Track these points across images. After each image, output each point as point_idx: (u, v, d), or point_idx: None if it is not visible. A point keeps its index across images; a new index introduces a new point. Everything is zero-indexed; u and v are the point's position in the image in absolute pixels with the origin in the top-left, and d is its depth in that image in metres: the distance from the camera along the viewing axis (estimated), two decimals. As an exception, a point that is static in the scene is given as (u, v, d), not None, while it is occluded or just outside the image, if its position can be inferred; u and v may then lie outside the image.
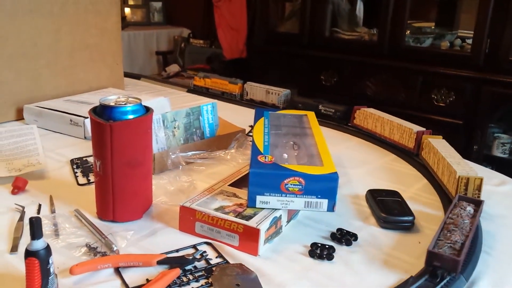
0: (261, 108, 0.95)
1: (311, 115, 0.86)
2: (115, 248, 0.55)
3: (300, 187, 0.58)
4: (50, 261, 0.45)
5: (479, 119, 1.97)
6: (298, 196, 0.59)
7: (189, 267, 0.53)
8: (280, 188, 0.59)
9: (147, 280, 0.51)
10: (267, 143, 0.69)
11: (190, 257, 0.54)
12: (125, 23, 3.35)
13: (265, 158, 0.62)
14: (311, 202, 0.59)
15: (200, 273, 0.52)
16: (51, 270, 0.46)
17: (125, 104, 0.60)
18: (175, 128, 0.84)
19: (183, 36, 3.68)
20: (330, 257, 0.57)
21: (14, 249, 0.55)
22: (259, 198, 0.59)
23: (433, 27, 2.52)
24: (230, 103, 1.33)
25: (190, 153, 0.83)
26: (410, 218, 0.65)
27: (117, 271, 0.52)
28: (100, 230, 0.59)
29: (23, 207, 0.64)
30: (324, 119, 1.12)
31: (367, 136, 1.05)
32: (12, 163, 0.77)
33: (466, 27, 2.37)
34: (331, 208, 0.59)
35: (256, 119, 0.81)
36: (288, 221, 0.63)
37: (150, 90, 1.43)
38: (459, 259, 0.51)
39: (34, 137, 0.86)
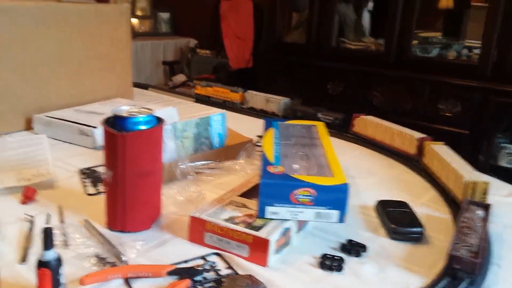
0: (269, 118, 0.95)
1: (320, 125, 0.86)
2: (124, 259, 0.55)
3: (311, 197, 0.58)
4: (61, 272, 0.45)
5: (486, 129, 1.96)
6: (308, 207, 0.59)
7: (198, 278, 0.53)
8: (290, 199, 0.58)
9: (157, 291, 0.51)
10: (277, 154, 0.69)
11: (200, 268, 0.54)
12: (133, 34, 3.38)
13: (275, 168, 0.62)
14: (321, 213, 0.59)
15: (209, 284, 0.52)
16: (62, 280, 0.46)
17: (137, 114, 0.61)
18: (184, 138, 0.84)
19: (190, 46, 3.70)
20: (340, 268, 0.56)
21: (23, 259, 0.55)
22: (269, 209, 0.59)
23: (440, 37, 2.52)
24: (231, 111, 1.34)
25: (199, 163, 0.83)
26: (420, 229, 0.64)
27: (127, 281, 0.52)
28: (110, 240, 0.59)
29: (33, 217, 0.65)
30: None
31: (368, 143, 1.05)
32: (22, 172, 0.78)
33: (473, 36, 2.37)
34: (341, 219, 0.59)
35: (265, 129, 0.81)
36: (297, 232, 0.63)
37: (158, 100, 1.44)
38: (478, 261, 0.51)
39: (44, 147, 0.87)
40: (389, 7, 2.25)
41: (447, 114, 2.06)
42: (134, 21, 3.75)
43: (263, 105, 1.35)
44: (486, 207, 0.67)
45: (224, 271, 0.55)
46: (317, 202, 0.59)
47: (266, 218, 0.60)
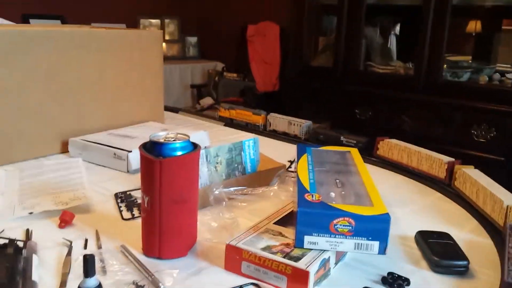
0: (302, 144, 0.94)
1: (355, 151, 0.85)
2: (162, 287, 0.54)
3: (350, 228, 0.57)
4: (101, 300, 0.45)
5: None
6: (347, 237, 0.57)
7: (237, 309, 0.52)
8: (329, 229, 0.57)
9: (195, 322, 0.50)
10: (313, 181, 0.68)
11: (238, 299, 0.53)
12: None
13: (312, 196, 0.61)
14: (361, 244, 0.57)
15: (248, 316, 0.51)
16: (102, 309, 0.45)
17: (174, 140, 0.61)
18: (217, 163, 0.84)
19: (217, 70, 3.76)
20: (382, 302, 0.54)
21: (63, 284, 0.55)
22: (307, 239, 0.58)
23: (470, 61, 2.49)
24: (254, 133, 1.36)
25: (232, 188, 0.83)
26: (465, 262, 0.62)
27: (165, 311, 0.51)
28: (147, 267, 0.58)
29: (71, 242, 0.65)
30: None
31: (394, 167, 1.05)
32: (59, 196, 0.79)
33: (504, 60, 2.33)
34: (382, 251, 0.57)
35: (299, 155, 0.81)
36: (336, 263, 0.62)
37: (188, 124, 1.45)
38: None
39: (80, 170, 0.88)
40: (418, 30, 2.24)
41: (481, 140, 2.01)
42: (163, 45, 3.84)
43: (285, 128, 1.36)
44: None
45: (262, 302, 0.54)
46: (357, 232, 0.57)
47: (304, 248, 0.58)
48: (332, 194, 0.63)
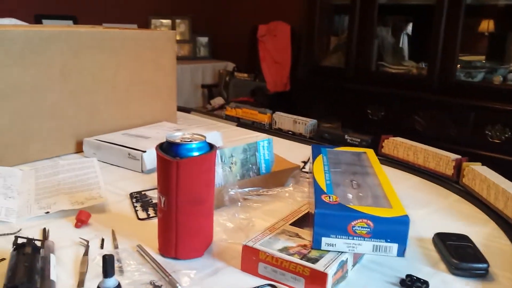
0: (317, 144, 0.94)
1: (370, 152, 0.84)
2: (179, 287, 0.54)
3: (369, 229, 0.56)
4: (120, 300, 0.45)
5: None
6: (366, 239, 0.57)
7: (254, 310, 0.52)
8: (347, 230, 0.57)
9: (213, 323, 0.49)
10: (329, 182, 0.67)
11: (255, 300, 0.53)
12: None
13: (330, 198, 0.61)
14: (380, 246, 0.57)
15: (266, 318, 0.51)
16: (121, 309, 0.45)
17: (190, 141, 0.61)
18: (232, 164, 0.84)
19: (227, 70, 3.76)
20: (400, 305, 0.54)
21: (80, 284, 0.55)
22: (324, 240, 0.58)
23: (483, 61, 2.46)
24: (260, 132, 1.38)
25: (247, 189, 0.83)
26: (485, 265, 0.61)
27: (182, 311, 0.51)
28: (163, 267, 0.58)
29: (88, 241, 0.65)
30: None
31: (401, 165, 1.05)
32: (75, 196, 0.79)
33: (519, 60, 2.30)
34: (401, 253, 0.57)
35: (314, 156, 0.80)
36: (353, 265, 0.61)
37: (201, 124, 1.46)
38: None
39: (95, 170, 0.88)
40: (430, 30, 2.22)
41: (496, 141, 1.99)
42: (174, 45, 3.85)
43: (290, 126, 1.38)
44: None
45: (280, 304, 0.53)
46: (375, 234, 0.57)
47: (322, 250, 0.58)
48: (350, 196, 0.63)
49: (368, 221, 0.56)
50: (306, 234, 0.62)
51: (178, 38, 3.94)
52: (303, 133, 1.34)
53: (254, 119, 1.49)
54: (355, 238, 0.57)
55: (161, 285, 0.55)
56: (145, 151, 0.96)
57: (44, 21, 3.28)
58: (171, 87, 1.30)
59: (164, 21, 3.95)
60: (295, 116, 1.39)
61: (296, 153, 1.10)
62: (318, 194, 0.62)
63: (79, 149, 1.07)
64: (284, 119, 1.41)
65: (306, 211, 0.70)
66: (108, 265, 0.44)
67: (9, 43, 0.92)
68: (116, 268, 0.58)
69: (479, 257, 0.62)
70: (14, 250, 0.57)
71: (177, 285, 0.54)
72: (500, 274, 0.62)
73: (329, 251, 0.58)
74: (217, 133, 1.16)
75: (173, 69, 1.30)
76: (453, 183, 0.94)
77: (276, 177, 0.89)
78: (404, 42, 2.90)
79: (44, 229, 0.69)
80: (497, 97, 2.01)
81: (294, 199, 0.82)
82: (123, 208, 0.79)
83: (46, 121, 1.01)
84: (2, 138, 0.94)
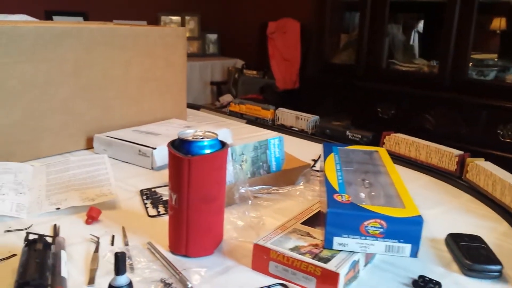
0: (328, 143, 0.93)
1: (383, 151, 0.83)
2: (190, 285, 0.54)
3: (381, 229, 0.56)
4: (132, 298, 0.45)
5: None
6: (378, 239, 0.56)
7: (265, 310, 0.51)
8: (360, 230, 0.56)
9: (224, 322, 0.49)
10: (341, 181, 0.67)
11: (267, 299, 0.52)
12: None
13: (342, 197, 0.60)
14: (392, 246, 0.56)
15: (277, 317, 0.50)
16: (132, 307, 0.45)
17: (202, 138, 0.60)
18: (243, 161, 0.84)
19: (236, 67, 3.75)
20: (413, 306, 0.53)
21: (91, 281, 0.55)
22: (336, 240, 0.57)
23: (495, 59, 2.44)
24: (262, 128, 1.40)
25: (257, 187, 0.82)
26: (498, 267, 0.60)
27: (193, 310, 0.51)
28: (174, 265, 0.58)
29: (98, 238, 0.65)
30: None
31: (403, 161, 1.05)
32: (85, 192, 0.79)
33: (531, 59, 2.27)
34: (414, 254, 0.56)
35: (325, 155, 0.80)
36: (365, 265, 0.60)
37: (210, 121, 1.45)
38: None
39: (106, 166, 0.88)
40: (441, 27, 2.20)
41: (507, 140, 1.97)
42: (184, 42, 3.85)
43: (293, 122, 1.39)
44: None
45: (291, 304, 0.53)
46: (388, 234, 0.56)
47: (334, 249, 0.57)
48: (362, 195, 0.62)
49: (381, 221, 0.56)
50: (318, 233, 0.62)
51: (187, 35, 3.94)
52: (305, 129, 1.35)
53: (258, 115, 1.51)
54: (367, 238, 0.56)
55: (172, 283, 0.55)
56: (155, 148, 0.96)
57: (54, 17, 3.30)
58: (181, 84, 1.30)
59: (173, 18, 3.95)
60: (297, 112, 1.41)
61: (294, 147, 1.09)
62: (330, 193, 0.62)
63: (89, 146, 1.08)
64: (287, 115, 1.43)
65: (318, 210, 0.69)
66: (120, 263, 0.44)
67: (20, 39, 0.92)
68: (126, 265, 0.58)
69: (492, 259, 0.61)
70: (26, 246, 0.57)
71: (188, 283, 0.54)
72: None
73: (341, 250, 0.57)
74: (226, 130, 1.16)
75: (184, 66, 1.29)
76: (456, 178, 0.95)
77: (286, 176, 0.88)
78: (415, 40, 2.88)
79: (55, 225, 0.69)
80: (509, 96, 1.99)
81: (305, 197, 0.82)
82: (133, 205, 0.79)
83: (57, 117, 1.01)
84: (14, 134, 0.95)
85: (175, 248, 0.63)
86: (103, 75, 1.09)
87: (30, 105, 0.96)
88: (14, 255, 0.60)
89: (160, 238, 0.66)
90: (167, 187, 0.86)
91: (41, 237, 0.60)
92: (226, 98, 3.51)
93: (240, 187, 0.79)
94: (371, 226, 0.56)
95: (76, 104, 1.04)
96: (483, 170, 0.88)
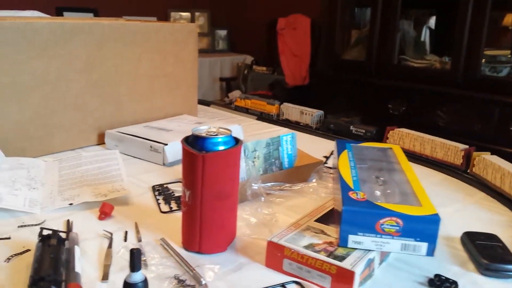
0: (341, 139, 0.92)
1: (397, 148, 0.82)
2: (203, 282, 0.54)
3: (397, 228, 0.55)
4: (147, 295, 0.45)
5: None
6: (394, 237, 0.55)
7: (280, 307, 0.51)
8: (375, 228, 0.55)
9: (239, 320, 0.49)
10: (356, 178, 0.66)
11: (281, 297, 0.52)
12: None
13: (357, 194, 0.60)
14: (408, 244, 0.55)
15: (292, 315, 0.50)
16: (147, 303, 0.45)
17: (216, 135, 0.60)
18: (255, 158, 0.83)
19: (246, 63, 3.74)
20: (429, 306, 0.52)
21: (105, 277, 0.55)
22: (351, 238, 0.56)
23: (509, 56, 2.40)
24: (268, 122, 1.41)
25: (270, 184, 0.82)
26: (516, 266, 0.59)
27: (207, 307, 0.51)
28: (187, 261, 0.58)
29: (111, 234, 0.65)
30: (356, 140, 1.16)
31: (408, 156, 1.05)
32: (98, 188, 0.79)
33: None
34: (430, 252, 0.55)
35: (339, 152, 0.79)
36: (379, 263, 0.60)
37: (221, 117, 1.45)
38: None
39: (118, 162, 0.88)
40: (453, 23, 2.17)
41: (521, 138, 1.94)
42: (193, 38, 3.85)
43: (297, 117, 1.40)
44: None
45: (305, 302, 0.53)
46: (404, 233, 0.55)
47: (348, 247, 0.57)
48: (377, 193, 0.61)
49: (397, 219, 0.55)
50: (332, 231, 0.61)
51: (197, 31, 3.94)
52: (309, 124, 1.36)
53: (263, 110, 1.53)
54: (383, 236, 0.56)
55: (185, 280, 0.55)
56: (166, 144, 0.96)
57: (65, 13, 3.31)
58: (192, 80, 1.29)
59: (183, 14, 3.95)
60: (302, 107, 1.42)
61: (305, 144, 1.08)
62: (345, 190, 0.61)
63: (101, 141, 1.08)
64: (291, 110, 1.45)
65: (331, 208, 0.69)
66: (136, 259, 0.44)
67: (33, 35, 0.93)
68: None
69: (510, 258, 0.60)
70: (40, 241, 0.58)
71: (201, 279, 0.54)
72: (533, 275, 0.60)
73: (356, 249, 0.57)
74: (238, 126, 1.16)
75: (195, 63, 1.29)
76: (462, 172, 0.96)
77: (299, 172, 0.88)
78: (426, 36, 2.85)
79: (68, 220, 0.69)
80: (523, 92, 1.97)
81: (318, 194, 0.81)
82: (145, 201, 0.79)
83: (69, 113, 1.02)
84: (26, 130, 0.95)
85: (188, 244, 0.62)
86: (114, 71, 1.09)
87: (42, 101, 0.96)
88: (28, 250, 0.61)
89: (173, 234, 0.65)
90: (179, 183, 0.86)
91: (55, 232, 0.60)
92: (236, 94, 3.50)
93: (253, 184, 0.78)
94: (387, 224, 0.55)
95: (87, 100, 1.04)
96: (490, 163, 0.88)
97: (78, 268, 0.55)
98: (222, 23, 4.11)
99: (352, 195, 0.60)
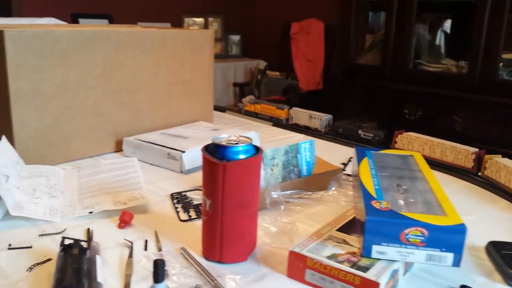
0: (361, 147, 0.91)
1: (418, 156, 0.81)
2: (225, 293, 0.53)
3: (423, 238, 0.54)
4: (170, 306, 0.44)
5: None
6: (419, 248, 0.54)
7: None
8: (400, 239, 0.54)
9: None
10: (378, 187, 0.65)
11: (304, 309, 0.51)
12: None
13: (380, 204, 0.59)
14: (434, 255, 0.54)
15: (316, 328, 0.49)
16: (170, 315, 0.45)
17: (237, 143, 0.60)
18: (274, 165, 0.83)
19: (259, 68, 3.75)
20: (456, 318, 0.51)
21: (127, 286, 0.55)
22: (375, 248, 0.56)
23: (527, 59, 2.36)
24: (277, 127, 1.42)
25: (289, 192, 0.81)
26: (545, 278, 0.57)
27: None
28: (208, 271, 0.58)
29: (132, 243, 0.65)
30: (364, 144, 1.16)
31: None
32: (117, 196, 0.79)
33: None
34: (456, 263, 0.54)
35: (359, 159, 0.78)
36: (404, 274, 0.59)
37: (236, 124, 1.45)
38: None
39: (136, 170, 0.89)
40: (469, 27, 2.15)
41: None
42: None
43: (306, 121, 1.43)
44: None
45: (329, 313, 0.52)
46: (430, 243, 0.54)
47: (372, 258, 0.56)
48: (401, 202, 0.60)
49: (423, 229, 0.54)
50: (354, 241, 0.60)
51: (210, 36, 3.96)
52: (318, 128, 1.37)
53: (272, 115, 1.55)
54: (408, 246, 0.55)
55: (207, 290, 0.54)
56: (184, 152, 0.96)
57: (80, 19, 3.35)
58: (208, 86, 1.30)
59: (197, 19, 3.97)
60: (310, 111, 1.44)
61: (316, 150, 1.08)
62: (367, 199, 0.60)
63: (118, 148, 1.08)
64: (300, 114, 1.46)
65: (353, 216, 0.68)
66: (160, 270, 0.44)
67: (53, 43, 0.93)
68: (162, 271, 0.58)
69: (539, 269, 0.59)
70: (62, 251, 0.58)
71: (224, 290, 0.53)
72: (562, 287, 0.58)
73: (380, 259, 0.56)
74: (254, 133, 1.15)
75: (210, 69, 1.29)
76: (473, 175, 0.96)
77: (318, 180, 0.87)
78: (441, 40, 2.82)
79: (88, 229, 0.69)
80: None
81: (338, 203, 0.80)
82: (164, 209, 0.79)
83: (87, 120, 1.02)
84: (45, 137, 0.96)
85: (208, 254, 0.62)
86: (132, 78, 1.09)
87: (61, 108, 0.97)
88: (50, 259, 0.61)
89: (192, 243, 0.65)
90: (197, 191, 0.86)
91: (77, 242, 0.60)
92: (249, 99, 3.51)
93: (272, 192, 0.78)
94: (412, 235, 0.54)
95: (105, 107, 1.05)
96: (504, 166, 0.88)
97: (100, 278, 0.55)
98: (235, 28, 4.12)
99: (375, 204, 0.59)
